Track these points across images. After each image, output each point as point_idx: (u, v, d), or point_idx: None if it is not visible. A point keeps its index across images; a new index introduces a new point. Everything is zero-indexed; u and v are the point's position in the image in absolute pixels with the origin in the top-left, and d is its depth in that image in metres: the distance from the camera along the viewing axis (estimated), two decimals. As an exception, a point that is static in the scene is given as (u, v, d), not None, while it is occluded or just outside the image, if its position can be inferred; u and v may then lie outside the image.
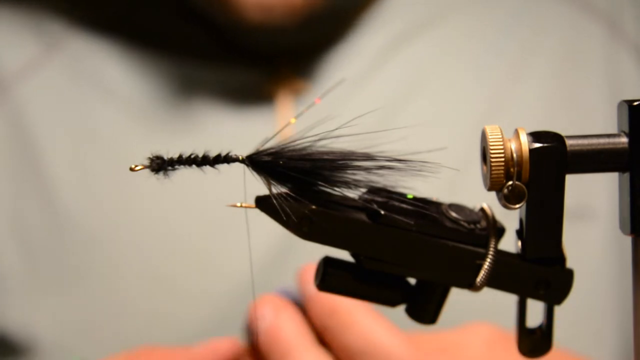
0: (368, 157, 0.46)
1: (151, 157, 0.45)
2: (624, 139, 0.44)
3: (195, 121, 0.83)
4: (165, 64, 0.85)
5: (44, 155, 0.82)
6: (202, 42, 0.85)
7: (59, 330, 0.79)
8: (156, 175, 0.45)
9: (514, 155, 0.44)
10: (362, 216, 0.46)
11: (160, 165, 0.45)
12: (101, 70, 0.85)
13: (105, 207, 0.82)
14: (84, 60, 0.85)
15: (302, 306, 0.65)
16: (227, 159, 0.46)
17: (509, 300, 0.50)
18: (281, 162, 0.45)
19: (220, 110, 0.83)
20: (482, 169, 0.45)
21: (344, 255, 0.47)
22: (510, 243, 0.47)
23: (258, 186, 0.45)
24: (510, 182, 0.44)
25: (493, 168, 0.44)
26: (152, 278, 0.80)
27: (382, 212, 0.45)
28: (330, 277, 0.47)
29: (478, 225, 0.47)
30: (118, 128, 0.83)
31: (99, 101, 0.84)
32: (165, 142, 0.82)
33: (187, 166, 0.46)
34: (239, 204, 0.47)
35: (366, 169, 0.46)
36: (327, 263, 0.47)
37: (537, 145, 0.44)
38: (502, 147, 0.44)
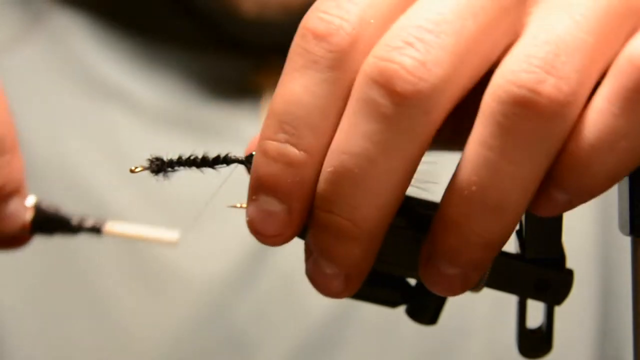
0: None
1: (150, 158, 0.45)
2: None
3: (179, 111, 0.83)
4: (146, 48, 0.84)
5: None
6: (188, 31, 0.84)
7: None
8: (156, 176, 0.45)
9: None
10: None
11: (159, 166, 0.45)
12: (83, 52, 0.84)
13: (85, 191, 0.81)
14: (66, 39, 0.84)
15: None
16: (227, 160, 0.46)
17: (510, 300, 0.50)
18: None
19: (205, 101, 0.83)
20: None
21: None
22: (510, 243, 0.47)
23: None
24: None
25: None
26: (135, 277, 0.79)
27: None
28: (330, 277, 0.47)
29: None
30: (98, 112, 0.82)
31: (78, 83, 0.83)
32: (152, 132, 0.81)
33: (186, 167, 0.46)
34: (238, 205, 0.47)
35: None
36: (326, 264, 0.47)
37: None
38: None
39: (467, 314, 0.78)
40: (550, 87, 0.39)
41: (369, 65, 0.40)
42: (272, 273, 0.78)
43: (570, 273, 0.47)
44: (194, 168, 0.46)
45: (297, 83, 0.41)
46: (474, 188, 0.40)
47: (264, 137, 0.42)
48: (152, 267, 0.78)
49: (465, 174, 0.40)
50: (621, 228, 0.45)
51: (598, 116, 0.40)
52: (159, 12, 0.85)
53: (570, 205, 0.42)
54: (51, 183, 0.81)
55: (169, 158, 0.46)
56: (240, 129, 0.81)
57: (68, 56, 0.84)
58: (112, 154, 0.81)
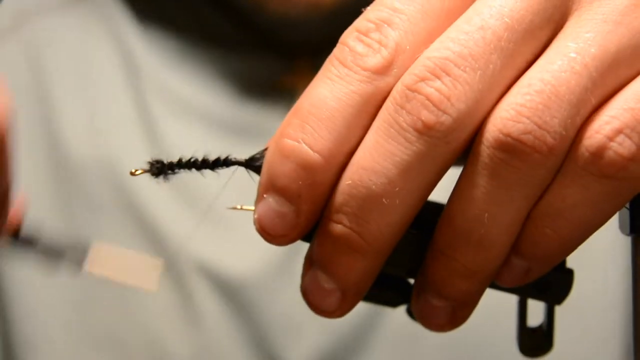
0: None
1: (151, 161, 0.45)
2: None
3: (212, 108, 0.82)
4: (179, 40, 0.83)
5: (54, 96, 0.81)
6: (224, 29, 0.84)
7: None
8: (156, 179, 0.46)
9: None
10: None
11: (160, 169, 0.45)
12: (124, 36, 0.84)
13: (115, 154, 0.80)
14: (108, 17, 0.84)
15: None
16: (227, 162, 0.46)
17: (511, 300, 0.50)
18: None
19: (237, 99, 0.82)
20: None
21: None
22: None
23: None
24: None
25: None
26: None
27: None
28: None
29: None
30: (134, 97, 0.82)
31: (115, 60, 0.83)
32: (186, 126, 0.81)
33: (187, 170, 0.46)
34: (238, 207, 0.47)
35: None
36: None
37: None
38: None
39: (491, 323, 0.77)
40: (535, 138, 0.40)
41: (398, 92, 0.41)
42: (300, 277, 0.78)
43: (570, 273, 0.47)
44: (194, 170, 0.46)
45: (327, 88, 0.42)
46: (459, 222, 0.41)
47: (282, 135, 0.42)
48: (182, 265, 0.78)
49: (453, 208, 0.42)
50: (621, 227, 0.45)
51: (551, 184, 0.41)
52: (196, 8, 0.84)
53: (530, 273, 0.43)
54: (87, 168, 0.79)
55: (169, 160, 0.46)
56: (272, 129, 0.80)
57: (108, 35, 0.83)
58: (149, 143, 0.80)
